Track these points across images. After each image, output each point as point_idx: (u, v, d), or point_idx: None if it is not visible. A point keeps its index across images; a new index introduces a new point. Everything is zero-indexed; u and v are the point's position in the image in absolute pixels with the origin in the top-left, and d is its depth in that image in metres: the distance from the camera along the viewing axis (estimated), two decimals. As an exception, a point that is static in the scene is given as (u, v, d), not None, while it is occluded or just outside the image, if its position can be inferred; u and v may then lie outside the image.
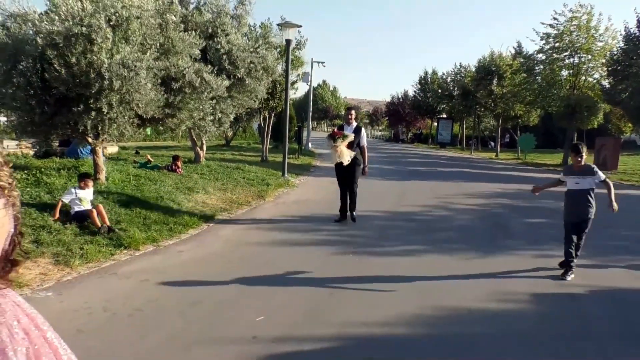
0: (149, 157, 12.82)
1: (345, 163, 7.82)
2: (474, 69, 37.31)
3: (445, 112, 48.85)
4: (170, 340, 3.85)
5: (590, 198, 5.72)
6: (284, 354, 3.68)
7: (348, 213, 8.45)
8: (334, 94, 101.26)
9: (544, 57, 27.20)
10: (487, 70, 34.03)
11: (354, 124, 8.26)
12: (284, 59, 14.71)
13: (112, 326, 4.09)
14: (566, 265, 5.73)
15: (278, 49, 15.33)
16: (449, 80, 45.28)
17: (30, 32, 7.03)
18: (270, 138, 20.35)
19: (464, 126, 44.35)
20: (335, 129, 8.20)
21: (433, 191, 12.96)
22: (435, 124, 49.76)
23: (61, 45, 6.56)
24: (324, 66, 30.54)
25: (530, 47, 50.43)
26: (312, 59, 28.78)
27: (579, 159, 5.74)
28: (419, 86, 51.59)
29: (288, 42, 13.39)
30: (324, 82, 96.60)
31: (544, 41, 26.60)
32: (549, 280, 5.63)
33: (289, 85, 14.42)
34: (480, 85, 34.08)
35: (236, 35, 11.24)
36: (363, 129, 8.32)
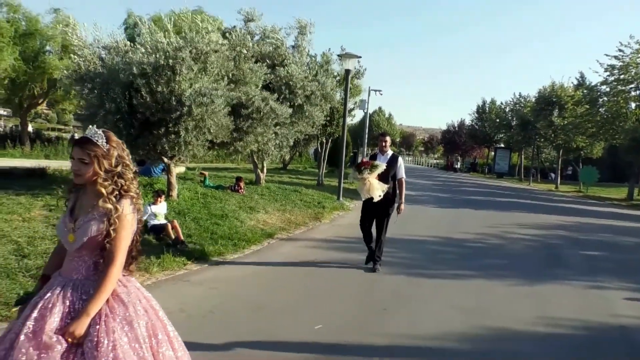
0: (205, 174, 13.58)
1: (376, 199, 6.54)
2: (533, 100, 36.70)
3: (502, 142, 48.01)
4: (238, 340, 4.32)
5: None
6: (340, 359, 4.06)
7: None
8: (390, 121, 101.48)
9: (608, 89, 26.51)
10: (548, 100, 33.41)
11: (389, 152, 6.98)
12: (342, 87, 15.34)
13: (189, 325, 4.61)
14: None
15: (337, 77, 16.00)
16: (507, 109, 44.66)
17: (121, 63, 7.95)
18: (326, 163, 20.94)
19: (522, 156, 43.39)
20: (364, 158, 7.17)
21: (487, 220, 13.00)
22: (492, 153, 48.93)
23: (149, 75, 7.42)
24: (381, 94, 31.07)
25: (593, 79, 49.01)
26: (369, 87, 29.38)
27: None
28: (476, 115, 51.14)
29: (347, 72, 14.01)
30: (379, 108, 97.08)
31: (608, 72, 25.97)
32: (599, 310, 5.72)
33: (347, 112, 14.99)
34: (540, 115, 33.45)
35: (295, 65, 11.94)
36: (400, 159, 7.02)
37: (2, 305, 4.46)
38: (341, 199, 14.10)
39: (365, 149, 31.01)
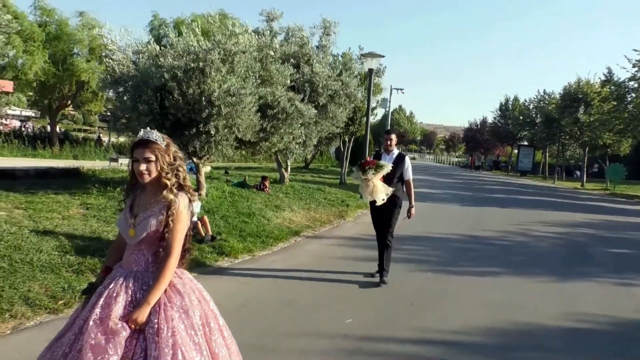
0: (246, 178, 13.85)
1: (379, 202, 5.99)
2: (558, 96, 36.16)
3: (526, 140, 47.42)
4: (270, 332, 4.50)
5: None
6: (370, 351, 4.21)
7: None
8: (410, 119, 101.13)
9: (636, 85, 26.01)
10: (573, 97, 32.89)
11: (395, 151, 6.38)
12: (364, 86, 15.44)
13: (224, 317, 4.80)
14: None
15: (358, 77, 16.10)
16: (531, 107, 44.07)
17: (153, 66, 8.21)
18: (348, 162, 21.06)
19: (547, 154, 42.80)
20: (369, 158, 6.52)
21: (510, 218, 12.97)
22: (516, 151, 48.36)
23: (180, 77, 7.67)
24: (403, 93, 31.06)
25: (621, 75, 47.96)
26: (391, 85, 29.40)
27: None
28: (499, 112, 50.61)
29: (370, 71, 14.11)
30: (400, 107, 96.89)
31: (636, 68, 25.48)
32: (627, 307, 5.74)
33: (369, 111, 15.09)
34: (565, 112, 32.95)
35: (320, 64, 12.08)
36: (407, 158, 6.42)
37: (49, 298, 4.71)
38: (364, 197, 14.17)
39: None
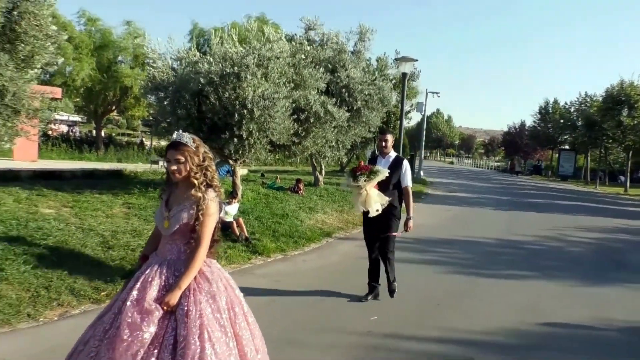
0: (278, 177, 14.17)
1: (373, 213, 5.21)
2: (600, 99, 35.06)
3: (567, 144, 46.10)
4: (300, 326, 4.69)
5: None
6: (393, 348, 4.33)
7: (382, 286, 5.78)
8: (449, 123, 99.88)
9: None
10: (616, 99, 31.79)
11: (392, 154, 5.61)
12: (398, 90, 15.52)
13: (254, 312, 5.02)
14: None
15: (393, 81, 16.18)
16: (572, 110, 42.86)
17: (191, 72, 8.58)
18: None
19: (589, 158, 41.49)
20: (362, 163, 5.59)
21: (547, 223, 12.75)
22: (556, 155, 47.08)
23: (217, 82, 8.01)
24: (438, 96, 30.79)
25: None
26: (426, 89, 29.19)
27: None
28: (538, 116, 49.40)
29: (404, 75, 14.18)
30: (437, 110, 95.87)
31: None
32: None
33: (403, 115, 15.16)
34: (607, 115, 31.90)
35: (355, 69, 12.25)
36: (406, 162, 5.63)
37: (92, 289, 5.06)
38: (397, 200, 14.24)
39: (423, 152, 30.84)
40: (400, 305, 5.45)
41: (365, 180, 5.16)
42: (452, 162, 78.40)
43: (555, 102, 48.39)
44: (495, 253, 8.67)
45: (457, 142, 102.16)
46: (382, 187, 5.30)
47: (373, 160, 5.67)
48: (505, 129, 63.11)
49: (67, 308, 4.65)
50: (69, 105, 33.72)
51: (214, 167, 2.75)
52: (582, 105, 39.69)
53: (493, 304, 5.67)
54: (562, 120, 44.95)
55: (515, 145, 55.78)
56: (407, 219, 5.44)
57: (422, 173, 28.25)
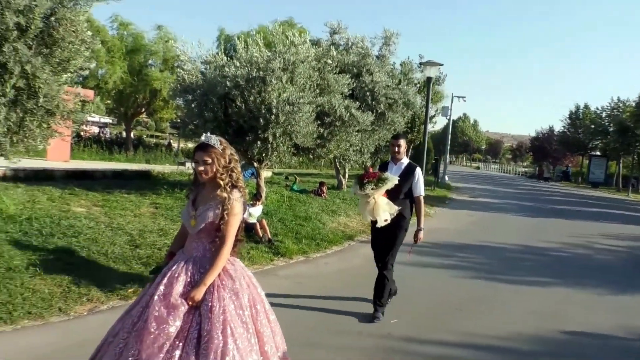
0: (297, 178, 14.29)
1: (381, 223, 4.92)
2: (633, 104, 34.18)
3: (598, 150, 45.00)
4: (321, 326, 4.77)
5: None
6: (412, 351, 4.37)
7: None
8: (475, 127, 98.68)
9: None
10: (650, 104, 31.00)
11: (405, 160, 5.28)
12: (422, 94, 15.47)
13: (276, 312, 5.12)
14: None
15: (417, 85, 16.16)
16: (603, 115, 41.84)
17: (218, 76, 8.76)
18: (406, 169, 21.04)
19: (621, 165, 40.42)
20: (371, 169, 5.32)
21: (573, 230, 12.53)
22: (587, 161, 46.00)
23: (243, 86, 8.18)
24: (464, 101, 30.46)
25: None
26: (452, 93, 28.98)
27: None
28: (568, 121, 48.39)
29: (429, 79, 14.15)
30: (464, 115, 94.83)
31: None
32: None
33: (428, 119, 15.12)
34: (641, 121, 31.13)
35: (380, 73, 12.29)
36: (419, 170, 5.24)
37: (121, 286, 5.23)
38: (421, 205, 14.22)
39: (448, 156, 30.57)
40: (419, 309, 5.48)
41: (372, 189, 4.84)
42: (478, 167, 77.35)
43: (586, 107, 47.34)
44: (518, 259, 8.58)
45: (483, 147, 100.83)
46: (392, 195, 4.97)
47: (384, 166, 5.35)
48: (534, 134, 62.04)
49: (96, 303, 4.83)
50: (100, 108, 34.58)
51: (239, 169, 2.86)
52: (615, 110, 38.73)
53: (514, 309, 5.64)
54: (592, 126, 43.93)
55: (544, 151, 54.75)
56: (417, 230, 5.12)
57: (446, 178, 28.02)
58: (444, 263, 7.81)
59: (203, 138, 2.80)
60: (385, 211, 4.87)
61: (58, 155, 13.62)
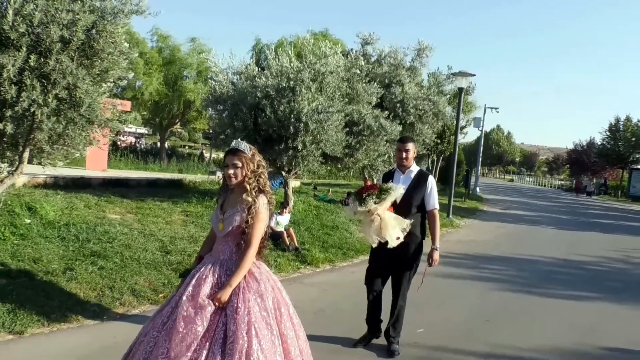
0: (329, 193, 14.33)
1: (394, 243, 4.01)
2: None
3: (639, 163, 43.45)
4: (345, 336, 4.74)
5: None
6: (440, 360, 4.32)
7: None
8: (509, 139, 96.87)
9: None
10: (695, 115, 29.80)
11: (414, 168, 4.43)
12: (453, 105, 15.35)
13: (302, 319, 5.14)
14: None
15: (447, 95, 16.03)
16: (645, 126, 40.41)
17: (249, 86, 8.94)
18: (437, 181, 20.85)
19: (664, 178, 38.88)
20: (368, 181, 4.54)
21: (613, 244, 12.14)
22: (627, 175, 44.45)
23: (273, 96, 8.33)
24: (497, 112, 30.08)
25: None
26: (484, 104, 28.61)
27: None
28: (608, 133, 46.95)
29: (460, 90, 14.04)
30: (498, 126, 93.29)
31: None
32: None
33: (459, 129, 14.97)
34: (684, 132, 29.94)
35: (410, 84, 12.26)
36: (431, 179, 4.44)
37: (151, 291, 5.36)
38: (451, 216, 14.07)
39: (479, 168, 30.09)
40: (448, 319, 5.40)
41: (375, 203, 3.99)
42: (512, 180, 75.73)
43: (628, 119, 45.86)
44: (553, 272, 8.36)
45: (517, 159, 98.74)
46: (402, 210, 4.16)
47: (389, 175, 4.48)
48: (571, 146, 60.45)
49: (128, 308, 4.95)
50: (137, 118, 35.61)
51: (266, 175, 2.93)
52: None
53: (548, 323, 5.50)
54: (633, 139, 42.54)
55: (582, 164, 53.27)
56: (432, 250, 4.24)
57: (477, 190, 27.59)
58: (474, 274, 7.69)
59: (234, 143, 2.89)
60: (395, 227, 4.00)
61: (96, 165, 14.06)
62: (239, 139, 2.95)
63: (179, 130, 60.53)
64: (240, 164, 2.78)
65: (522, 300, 6.42)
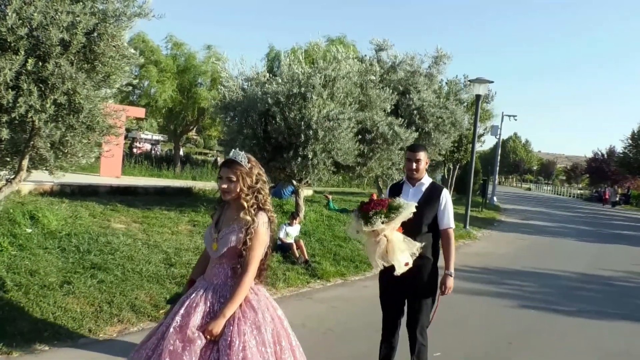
0: (329, 197, 13.96)
1: (402, 269, 3.43)
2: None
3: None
4: (356, 355, 4.42)
5: None
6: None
7: None
8: (526, 147, 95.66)
9: None
10: None
11: (426, 180, 3.80)
12: (470, 113, 14.95)
13: (309, 340, 4.80)
14: None
15: (465, 103, 15.64)
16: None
17: (259, 93, 8.69)
18: (453, 190, 20.39)
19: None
20: (374, 196, 3.64)
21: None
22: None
23: (283, 102, 8.06)
24: (515, 120, 29.45)
25: None
26: (502, 112, 28.06)
27: None
28: (630, 142, 45.89)
29: (478, 97, 13.66)
30: (515, 135, 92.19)
31: None
32: None
33: (476, 137, 14.57)
34: None
35: (427, 92, 11.92)
36: (446, 193, 3.75)
37: (152, 307, 5.08)
38: (468, 227, 13.63)
39: (497, 177, 29.51)
40: (466, 341, 5.03)
41: (383, 222, 3.39)
42: (529, 189, 74.44)
43: (650, 126, 44.75)
44: (577, 288, 7.92)
45: (535, 168, 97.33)
46: (411, 230, 3.53)
47: (396, 188, 3.84)
48: (590, 154, 59.28)
49: (126, 325, 4.68)
50: (152, 125, 35.72)
51: (267, 191, 2.61)
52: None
53: (574, 345, 5.10)
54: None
55: (602, 173, 52.18)
56: (445, 276, 3.61)
57: (495, 199, 27.01)
58: (493, 290, 7.29)
59: (231, 154, 2.58)
60: (404, 251, 3.43)
61: (110, 171, 13.99)
62: (238, 149, 2.62)
63: (195, 137, 60.83)
64: (234, 178, 2.47)
65: (546, 319, 6.02)
